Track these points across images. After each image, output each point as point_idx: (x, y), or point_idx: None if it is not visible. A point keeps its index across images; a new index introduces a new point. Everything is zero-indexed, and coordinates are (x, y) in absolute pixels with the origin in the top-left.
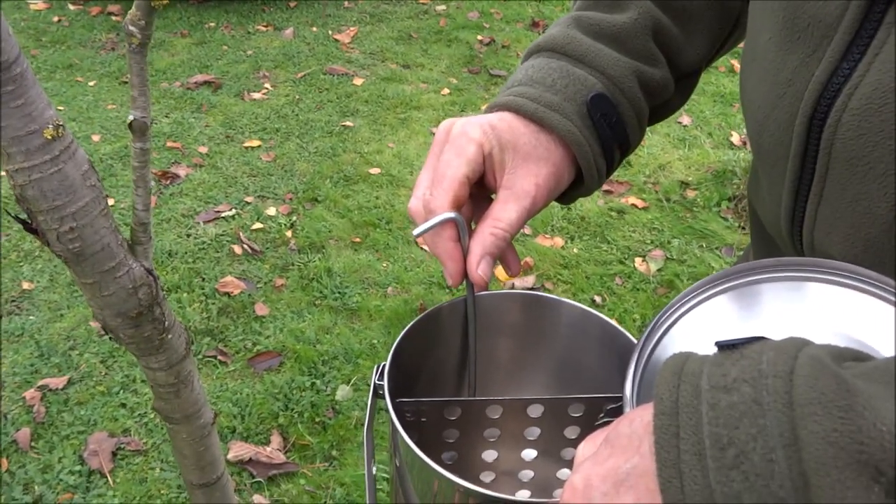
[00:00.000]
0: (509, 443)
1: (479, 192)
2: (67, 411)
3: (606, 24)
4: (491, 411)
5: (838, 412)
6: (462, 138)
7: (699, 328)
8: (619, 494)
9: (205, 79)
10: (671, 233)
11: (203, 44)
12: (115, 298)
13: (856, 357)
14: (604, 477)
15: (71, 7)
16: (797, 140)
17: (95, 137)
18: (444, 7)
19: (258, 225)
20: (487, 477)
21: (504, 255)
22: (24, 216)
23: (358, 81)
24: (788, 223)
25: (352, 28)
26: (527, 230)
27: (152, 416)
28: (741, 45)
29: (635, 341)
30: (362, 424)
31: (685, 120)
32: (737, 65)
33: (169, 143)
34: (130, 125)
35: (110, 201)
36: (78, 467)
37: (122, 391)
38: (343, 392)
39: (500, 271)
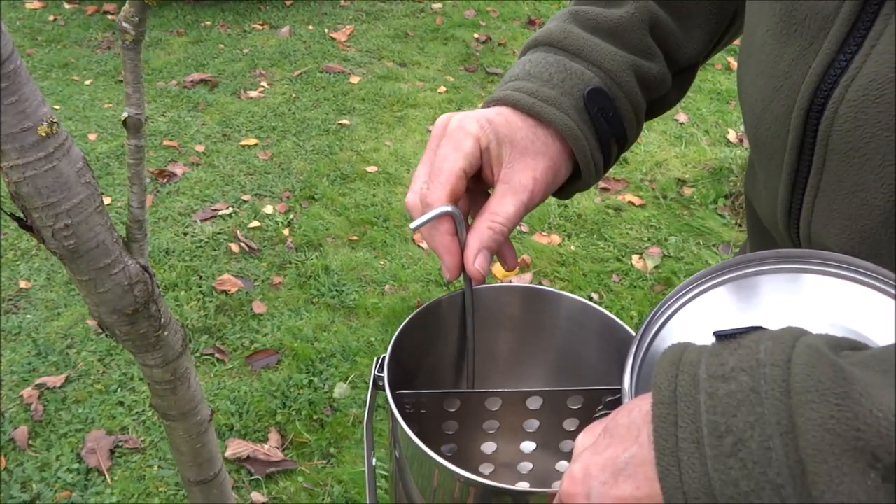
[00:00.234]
0: (508, 435)
1: (475, 187)
2: (65, 409)
3: (603, 18)
4: (490, 403)
5: (835, 399)
6: (459, 132)
7: (697, 320)
8: (617, 483)
9: (201, 77)
10: (668, 230)
11: (199, 42)
12: (110, 295)
13: (853, 347)
14: (602, 466)
15: (66, 6)
16: (794, 132)
17: (92, 136)
18: (440, 5)
19: (255, 223)
20: (486, 469)
21: (501, 249)
22: (19, 213)
23: (354, 79)
24: (785, 216)
25: (348, 26)
26: (524, 228)
27: (150, 414)
28: (738, 41)
29: (634, 334)
30: (360, 422)
31: (682, 117)
32: (733, 62)
33: (166, 142)
34: (125, 122)
35: (107, 200)
36: (76, 465)
37: (119, 389)
38: (341, 390)
39: (498, 269)
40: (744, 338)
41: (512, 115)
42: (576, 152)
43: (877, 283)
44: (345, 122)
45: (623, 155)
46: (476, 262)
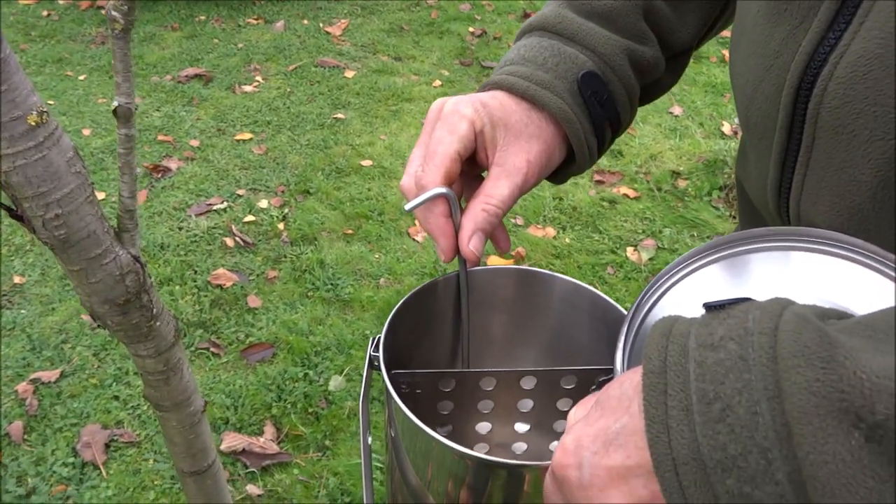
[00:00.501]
0: (503, 415)
1: (469, 170)
2: (60, 404)
3: (597, 3)
4: (485, 383)
5: (820, 363)
6: (454, 116)
7: (688, 298)
8: (608, 453)
9: (195, 72)
10: (662, 222)
11: (193, 37)
12: (102, 285)
13: (838, 316)
14: (594, 437)
15: (60, 1)
16: (784, 111)
17: (86, 131)
18: None
19: (250, 217)
20: (482, 449)
21: (494, 233)
22: (10, 203)
23: (349, 74)
24: (775, 195)
25: (343, 20)
26: (519, 221)
27: (145, 408)
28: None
29: (626, 313)
30: (355, 414)
31: (676, 110)
32: (727, 55)
33: (160, 137)
34: (115, 111)
35: (101, 195)
36: (71, 459)
37: (114, 383)
38: (336, 382)
39: (499, 261)
40: (732, 308)
41: (506, 99)
42: (570, 136)
43: (863, 259)
44: (340, 116)
45: (618, 148)
46: (470, 243)
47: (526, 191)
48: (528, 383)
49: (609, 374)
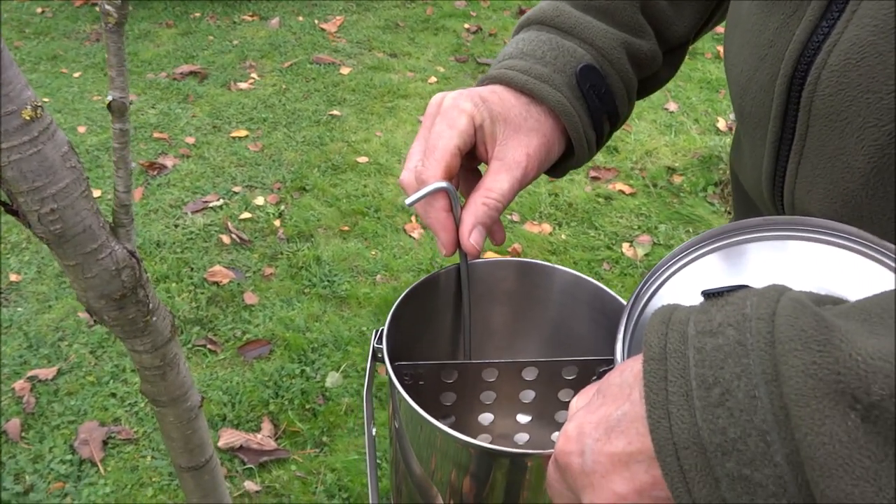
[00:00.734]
0: (505, 406)
1: (468, 165)
2: (57, 401)
3: None
4: (487, 374)
5: (817, 346)
6: (453, 110)
7: (686, 287)
8: (610, 440)
9: (191, 69)
10: (658, 218)
11: (188, 34)
12: (98, 280)
13: (834, 302)
14: (596, 424)
15: None
16: (778, 100)
17: (81, 129)
18: None
19: (246, 214)
20: (484, 440)
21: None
22: (5, 198)
23: (345, 70)
24: (770, 184)
25: (338, 17)
26: (515, 217)
27: (143, 405)
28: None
29: (626, 304)
30: (352, 411)
31: (672, 106)
32: (722, 51)
33: (156, 134)
34: (109, 106)
35: (96, 192)
36: (69, 457)
37: (111, 381)
38: (333, 379)
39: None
40: (731, 295)
41: (505, 93)
42: (568, 129)
43: (858, 247)
44: (335, 113)
45: (613, 144)
46: (471, 237)
47: (525, 184)
48: (529, 374)
49: (609, 363)
